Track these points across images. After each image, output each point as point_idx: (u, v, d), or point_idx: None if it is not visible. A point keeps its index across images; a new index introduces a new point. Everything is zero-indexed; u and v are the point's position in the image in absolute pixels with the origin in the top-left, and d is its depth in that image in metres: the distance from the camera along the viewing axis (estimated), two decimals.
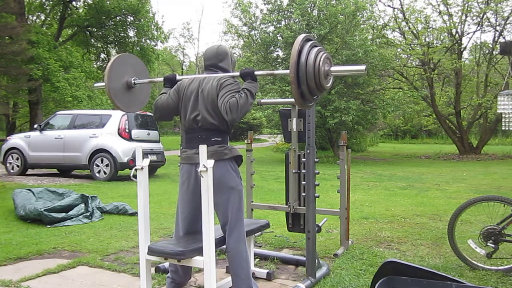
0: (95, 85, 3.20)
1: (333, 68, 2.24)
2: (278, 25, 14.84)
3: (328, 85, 2.26)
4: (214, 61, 2.59)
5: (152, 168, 10.08)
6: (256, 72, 2.44)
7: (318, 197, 3.13)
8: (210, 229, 2.18)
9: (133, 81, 2.83)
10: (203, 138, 2.45)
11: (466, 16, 17.38)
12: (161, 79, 2.76)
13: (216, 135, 2.46)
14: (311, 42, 2.24)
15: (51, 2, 19.11)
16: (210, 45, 2.68)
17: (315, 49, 2.21)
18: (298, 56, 2.13)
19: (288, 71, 2.17)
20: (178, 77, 2.71)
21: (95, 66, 21.37)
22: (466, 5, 16.84)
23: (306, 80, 2.16)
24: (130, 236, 4.34)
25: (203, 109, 2.44)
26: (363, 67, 2.19)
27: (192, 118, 2.48)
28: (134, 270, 3.25)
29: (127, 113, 8.63)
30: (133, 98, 2.90)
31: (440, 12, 17.75)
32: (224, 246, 2.55)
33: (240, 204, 2.49)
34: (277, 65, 15.94)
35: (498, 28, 17.22)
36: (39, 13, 20.15)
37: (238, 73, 2.48)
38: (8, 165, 10.22)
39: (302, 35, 2.21)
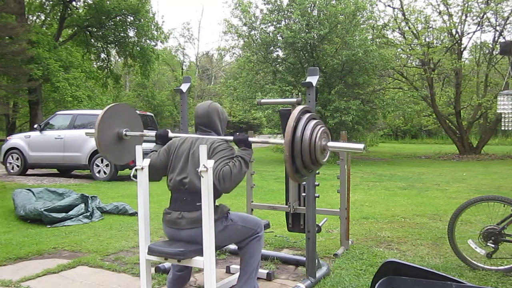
0: (86, 132, 3.17)
1: (330, 144, 2.20)
2: (278, 25, 14.83)
3: (324, 160, 2.22)
4: (206, 120, 2.52)
5: None
6: (250, 139, 2.37)
7: (318, 197, 3.13)
8: (210, 229, 2.18)
9: (124, 133, 2.77)
10: (187, 201, 2.36)
11: (466, 16, 17.38)
12: (153, 134, 2.70)
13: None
14: (309, 114, 2.20)
15: (51, 2, 19.10)
16: (201, 103, 2.61)
17: (312, 122, 2.17)
18: (293, 133, 2.09)
19: (283, 141, 2.13)
20: (170, 135, 2.65)
21: (95, 66, 21.37)
22: (466, 5, 16.83)
23: (301, 156, 2.12)
24: (130, 236, 4.34)
25: (192, 172, 2.34)
26: (361, 146, 2.15)
27: (179, 180, 2.39)
28: (134, 270, 3.25)
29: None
30: (125, 149, 2.84)
31: (440, 12, 17.75)
32: (225, 246, 2.57)
33: (240, 231, 2.52)
34: (277, 65, 15.94)
35: (498, 28, 17.23)
36: (39, 13, 20.14)
37: (231, 138, 2.42)
38: (8, 165, 10.22)
39: (300, 107, 2.16)
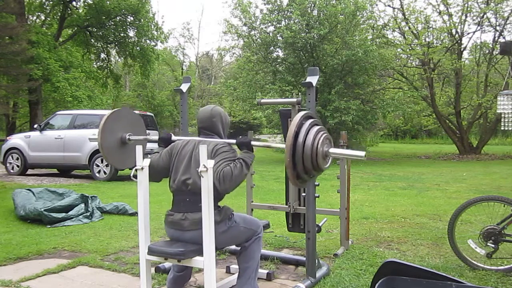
0: (90, 137, 3.17)
1: (332, 150, 2.20)
2: (278, 25, 14.83)
3: (326, 166, 2.22)
4: (209, 123, 2.54)
5: None
6: (252, 143, 2.39)
7: (318, 197, 3.14)
8: (210, 229, 2.18)
9: (127, 137, 2.77)
10: (191, 202, 2.36)
11: (466, 16, 17.38)
12: (156, 138, 2.71)
13: None
14: (311, 120, 2.20)
15: (51, 2, 19.10)
16: (203, 108, 2.62)
17: (315, 128, 2.17)
18: (294, 139, 2.08)
19: (283, 145, 2.13)
20: (173, 138, 2.66)
21: (95, 66, 21.37)
22: (466, 5, 16.83)
23: (302, 162, 2.12)
24: (130, 236, 4.34)
25: (195, 173, 2.34)
26: (362, 154, 2.15)
27: (182, 181, 2.40)
28: (134, 270, 3.25)
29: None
30: (128, 154, 2.83)
31: (440, 12, 17.74)
32: (226, 247, 2.57)
33: (243, 233, 2.53)
34: (277, 65, 15.93)
35: (498, 28, 17.22)
36: (39, 13, 20.14)
37: (234, 141, 2.43)
38: (8, 165, 10.22)
39: (302, 113, 2.16)
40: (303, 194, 3.47)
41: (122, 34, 19.83)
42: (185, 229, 2.36)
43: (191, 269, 2.68)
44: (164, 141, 2.65)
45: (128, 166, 2.88)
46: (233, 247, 3.36)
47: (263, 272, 3.09)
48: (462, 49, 18.36)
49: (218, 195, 2.37)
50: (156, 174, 2.52)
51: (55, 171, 10.90)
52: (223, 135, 2.58)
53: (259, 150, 22.07)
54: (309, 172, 2.19)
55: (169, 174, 2.51)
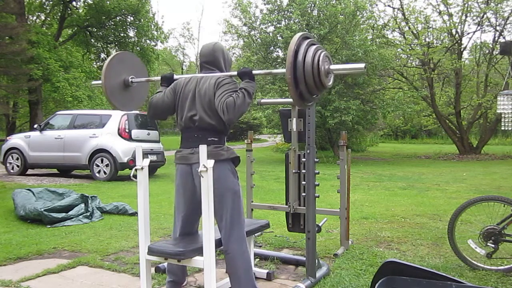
0: (93, 83, 3.19)
1: (333, 67, 2.21)
2: (278, 25, 14.83)
3: (329, 83, 2.22)
4: (210, 58, 2.57)
5: (152, 168, 10.08)
6: (254, 72, 2.42)
7: (318, 197, 3.13)
8: (210, 229, 2.17)
9: (130, 80, 2.80)
10: (199, 138, 2.41)
11: (466, 16, 17.38)
12: (159, 78, 2.74)
13: (213, 135, 2.42)
14: (308, 40, 2.20)
15: (51, 2, 19.10)
16: (206, 43, 2.66)
17: (313, 47, 2.17)
18: (294, 56, 2.08)
19: (284, 71, 2.13)
20: (175, 76, 2.69)
21: (95, 66, 21.36)
22: (466, 5, 16.84)
23: (304, 80, 2.12)
24: (130, 236, 4.34)
25: (200, 108, 2.40)
26: (362, 65, 2.18)
27: (189, 117, 2.45)
28: (134, 270, 3.25)
29: (125, 111, 8.56)
30: (130, 96, 2.87)
31: (440, 12, 17.75)
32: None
33: (239, 205, 2.47)
34: (277, 65, 15.92)
35: (498, 28, 17.23)
36: (39, 13, 20.15)
37: (235, 73, 2.47)
38: (8, 165, 10.21)
39: (299, 33, 2.17)
40: (303, 194, 3.47)
41: (122, 34, 19.85)
42: (193, 162, 2.39)
43: (185, 272, 2.67)
44: (166, 80, 2.68)
45: (130, 108, 2.92)
46: None
47: (263, 272, 3.09)
48: (462, 49, 18.37)
49: (224, 129, 2.44)
50: (161, 112, 2.57)
51: (55, 171, 10.89)
52: (225, 70, 2.61)
53: (260, 150, 22.07)
54: (311, 90, 2.18)
55: (175, 112, 2.55)
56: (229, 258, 2.42)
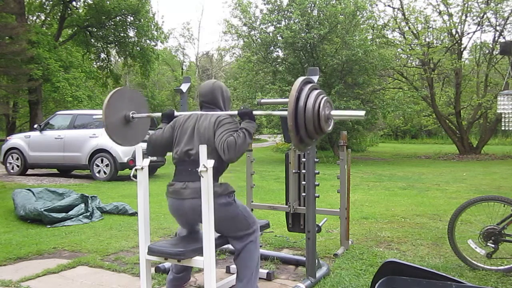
0: (94, 117, 3.19)
1: (333, 112, 2.22)
2: (278, 25, 14.83)
3: (329, 128, 2.23)
4: (209, 97, 2.56)
5: (152, 168, 10.08)
6: (254, 112, 2.42)
7: (318, 197, 3.13)
8: (210, 229, 2.18)
9: (131, 115, 2.78)
10: (192, 172, 2.36)
11: (466, 16, 17.38)
12: (159, 114, 2.75)
13: None
14: (310, 85, 2.21)
15: (51, 2, 19.10)
16: (205, 82, 2.66)
17: (315, 92, 2.18)
18: (296, 103, 2.09)
19: (286, 112, 2.13)
20: (176, 113, 2.69)
21: (95, 66, 21.38)
22: (466, 5, 16.84)
23: (305, 126, 2.13)
24: (130, 236, 4.34)
25: (197, 144, 2.36)
26: (362, 113, 2.18)
27: (184, 151, 2.42)
28: (134, 270, 3.25)
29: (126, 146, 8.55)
30: (132, 132, 2.85)
31: (440, 12, 17.74)
32: (225, 246, 2.55)
33: (243, 219, 2.50)
34: (277, 65, 15.95)
35: (498, 28, 17.22)
36: (39, 13, 20.14)
37: (236, 112, 2.46)
38: (8, 165, 10.22)
39: (301, 78, 2.18)
40: (303, 194, 3.47)
41: (122, 34, 19.85)
42: (185, 198, 2.37)
43: (190, 270, 2.67)
44: (167, 117, 2.69)
45: (132, 143, 2.90)
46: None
47: (263, 272, 3.09)
48: (462, 49, 18.37)
49: (221, 167, 2.42)
50: (159, 148, 2.57)
51: (55, 171, 10.90)
52: (224, 108, 2.61)
53: (259, 150, 22.08)
54: (312, 135, 2.20)
55: (172, 147, 2.54)
56: (240, 256, 2.50)
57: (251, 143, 2.40)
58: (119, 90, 2.80)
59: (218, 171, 2.40)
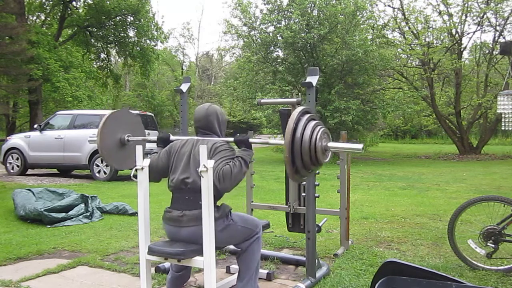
0: (89, 139, 3.18)
1: (331, 144, 2.21)
2: (278, 25, 14.83)
3: (326, 160, 2.23)
4: (204, 122, 2.53)
5: None
6: (250, 140, 2.39)
7: (318, 197, 3.13)
8: (210, 229, 2.18)
9: (126, 138, 2.77)
10: (190, 200, 2.35)
11: (466, 16, 17.37)
12: (155, 138, 2.72)
13: None
14: (308, 115, 2.21)
15: (51, 2, 19.09)
16: (199, 106, 2.62)
17: (312, 123, 2.18)
18: (293, 134, 2.09)
19: (283, 142, 2.13)
20: (171, 138, 2.66)
21: (95, 66, 21.36)
22: (466, 5, 16.83)
23: (301, 157, 2.13)
24: (130, 236, 4.34)
25: (194, 172, 2.35)
26: (360, 146, 2.18)
27: (181, 179, 2.40)
28: (134, 270, 3.25)
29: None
30: (127, 155, 2.83)
31: (440, 12, 17.73)
32: (225, 246, 2.55)
33: (243, 228, 2.51)
34: (277, 65, 15.94)
35: (498, 28, 17.22)
36: (39, 13, 20.13)
37: (232, 139, 2.43)
38: (8, 165, 10.22)
39: (299, 108, 2.17)
40: (303, 194, 3.47)
41: (122, 34, 19.83)
42: (182, 226, 2.36)
43: (190, 269, 2.67)
44: (163, 141, 2.66)
45: (128, 166, 2.88)
46: (232, 247, 3.36)
47: (263, 272, 3.09)
48: (462, 49, 18.36)
49: (217, 194, 2.37)
50: (155, 174, 2.53)
51: (55, 171, 10.90)
52: (220, 133, 2.58)
53: (260, 150, 22.07)
54: (308, 167, 2.19)
55: (168, 174, 2.52)
56: (242, 256, 2.53)
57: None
58: (114, 113, 2.78)
59: (215, 197, 2.32)
